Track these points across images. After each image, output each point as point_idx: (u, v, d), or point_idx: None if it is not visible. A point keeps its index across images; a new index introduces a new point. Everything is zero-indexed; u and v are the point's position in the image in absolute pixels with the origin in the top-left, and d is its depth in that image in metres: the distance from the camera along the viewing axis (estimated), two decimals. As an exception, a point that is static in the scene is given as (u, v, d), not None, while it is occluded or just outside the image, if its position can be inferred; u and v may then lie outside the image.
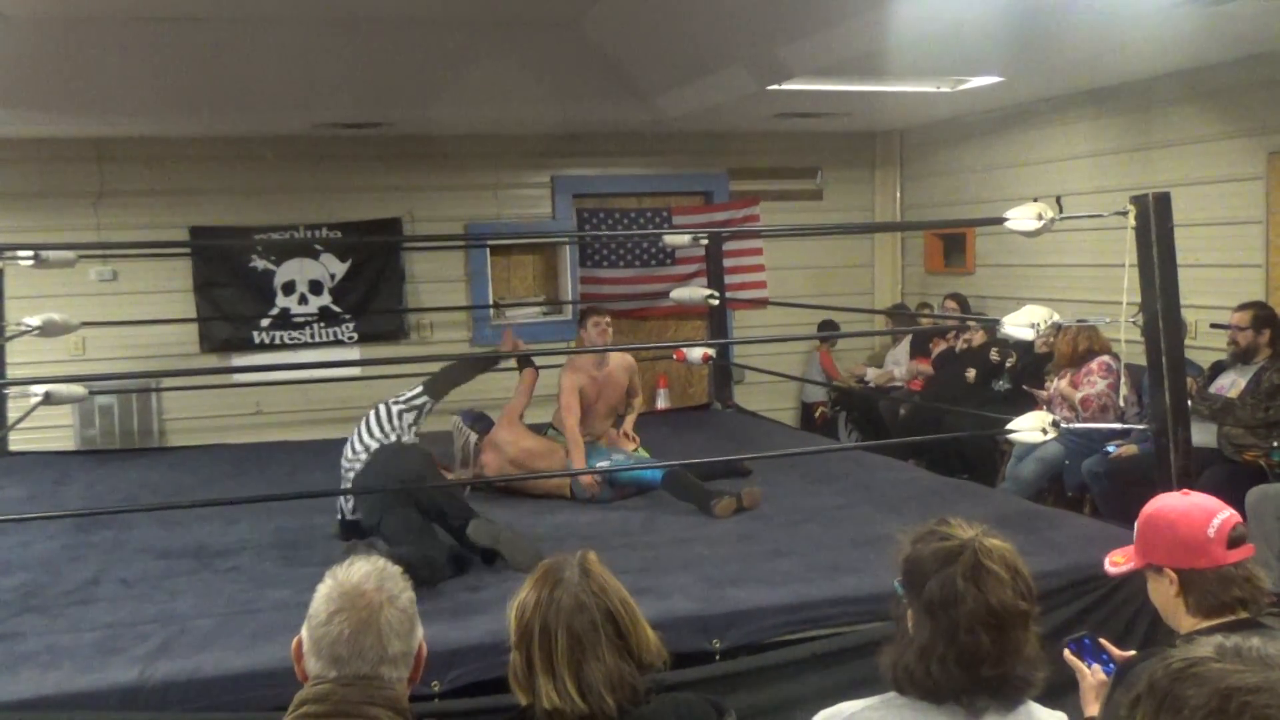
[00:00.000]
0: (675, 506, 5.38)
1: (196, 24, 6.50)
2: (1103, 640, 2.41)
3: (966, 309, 8.35)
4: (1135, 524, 2.44)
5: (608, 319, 6.16)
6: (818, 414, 9.16)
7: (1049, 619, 3.82)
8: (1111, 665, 2.35)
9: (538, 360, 6.30)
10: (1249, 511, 5.24)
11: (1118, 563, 2.47)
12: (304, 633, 1.98)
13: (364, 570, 1.99)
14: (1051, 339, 6.55)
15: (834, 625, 3.90)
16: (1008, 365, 7.43)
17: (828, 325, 8.97)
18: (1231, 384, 5.83)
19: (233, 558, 4.73)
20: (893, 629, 2.07)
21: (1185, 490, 2.45)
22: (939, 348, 8.36)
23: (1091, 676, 2.35)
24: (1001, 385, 7.47)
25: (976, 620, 1.87)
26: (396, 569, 2.04)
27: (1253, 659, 1.19)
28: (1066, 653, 2.39)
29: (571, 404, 5.86)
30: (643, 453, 6.17)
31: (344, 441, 5.16)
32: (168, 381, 7.99)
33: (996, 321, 4.75)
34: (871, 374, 9.05)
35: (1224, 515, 2.33)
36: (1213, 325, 6.33)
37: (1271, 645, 1.21)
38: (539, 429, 6.42)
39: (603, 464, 5.61)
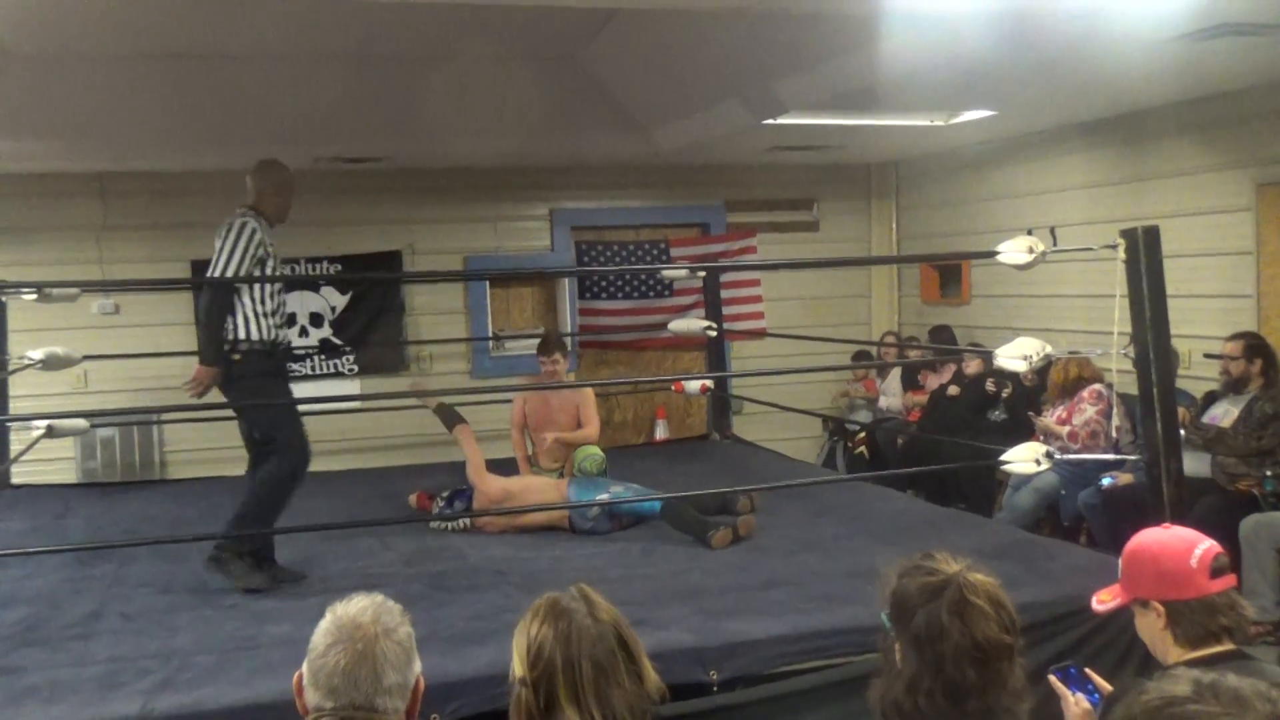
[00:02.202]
0: (673, 538, 5.41)
1: (198, 60, 6.58)
2: (1088, 670, 2.44)
3: (951, 342, 8.41)
4: (1120, 561, 2.48)
5: (555, 356, 6.41)
6: (859, 439, 9.04)
7: (1044, 649, 3.86)
8: (1096, 695, 2.38)
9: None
10: (1243, 541, 5.28)
11: (1104, 600, 2.51)
12: (304, 666, 2.02)
13: (361, 604, 2.03)
14: (1034, 373, 6.58)
15: (831, 656, 3.91)
16: (1004, 395, 7.46)
17: (862, 355, 9.03)
18: (1224, 413, 5.87)
19: (233, 592, 4.75)
20: (886, 661, 2.10)
21: (1166, 524, 2.49)
22: (928, 379, 8.40)
23: (1076, 705, 2.38)
24: (998, 415, 7.50)
25: (962, 654, 1.91)
26: (396, 605, 2.07)
27: (1228, 698, 1.21)
28: (1052, 679, 2.43)
29: (514, 420, 6.69)
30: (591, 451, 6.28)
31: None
32: (169, 414, 8.02)
33: (990, 353, 4.80)
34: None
35: (1205, 545, 2.37)
36: (1206, 355, 6.37)
37: (1245, 682, 1.24)
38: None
39: (601, 496, 5.64)
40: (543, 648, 2.10)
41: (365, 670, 1.94)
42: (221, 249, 4.83)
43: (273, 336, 4.95)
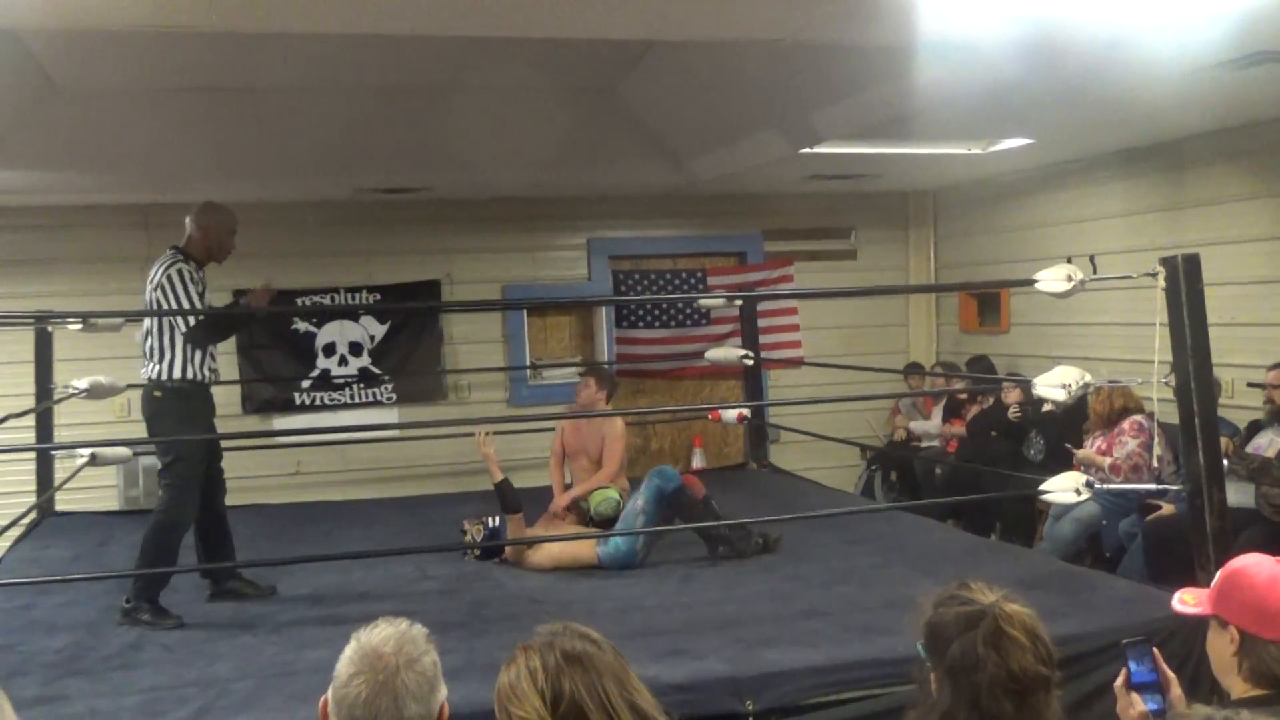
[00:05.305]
0: (708, 567, 5.40)
1: (242, 94, 6.68)
2: (1160, 661, 2.32)
3: (989, 372, 8.36)
4: (1219, 572, 2.40)
5: (587, 380, 6.51)
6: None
7: (1085, 682, 3.81)
8: (1157, 703, 2.27)
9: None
10: (1289, 573, 5.18)
11: (1186, 602, 2.43)
12: (330, 692, 2.03)
13: (385, 633, 2.04)
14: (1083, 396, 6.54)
15: (868, 687, 3.88)
16: (1028, 423, 7.40)
17: (915, 367, 9.00)
18: (1269, 443, 5.79)
19: (271, 619, 4.79)
20: (923, 692, 2.08)
21: None
22: (970, 411, 8.33)
23: (1132, 707, 2.28)
24: (1035, 454, 7.40)
25: (997, 686, 1.89)
26: (421, 632, 2.07)
27: None
28: (1122, 676, 2.31)
29: (553, 449, 6.64)
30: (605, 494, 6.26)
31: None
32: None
33: (1029, 381, 4.77)
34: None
35: None
36: (1249, 384, 6.29)
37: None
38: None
39: (629, 523, 5.64)
40: (556, 684, 1.99)
41: (386, 701, 1.96)
42: (167, 297, 5.20)
43: (202, 377, 5.11)
